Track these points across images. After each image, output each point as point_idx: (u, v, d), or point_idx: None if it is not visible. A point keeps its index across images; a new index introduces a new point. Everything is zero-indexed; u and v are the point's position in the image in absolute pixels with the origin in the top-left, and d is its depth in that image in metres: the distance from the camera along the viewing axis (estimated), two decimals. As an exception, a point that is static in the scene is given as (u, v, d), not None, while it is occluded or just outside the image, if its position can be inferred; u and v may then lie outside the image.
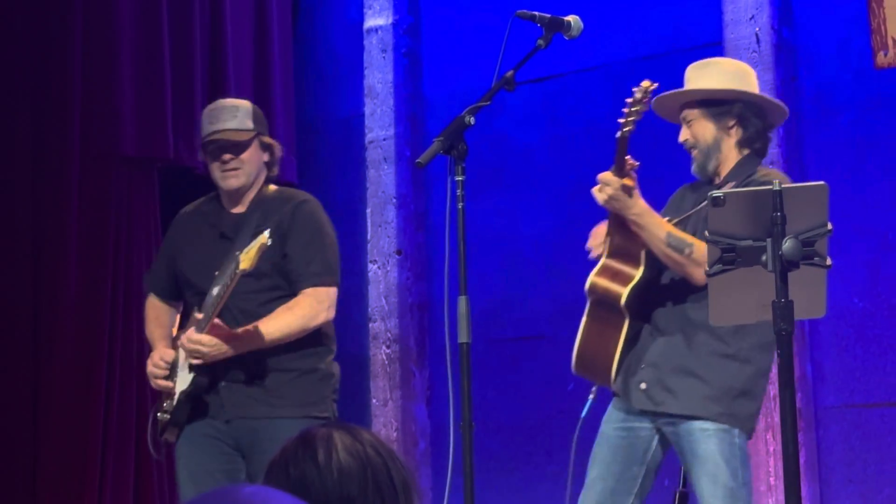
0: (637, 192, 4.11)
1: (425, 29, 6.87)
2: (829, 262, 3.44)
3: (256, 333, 4.38)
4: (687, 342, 4.18)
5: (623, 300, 4.14)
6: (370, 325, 6.69)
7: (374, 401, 6.65)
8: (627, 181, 4.08)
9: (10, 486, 5.79)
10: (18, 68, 6.01)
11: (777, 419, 5.45)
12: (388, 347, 6.68)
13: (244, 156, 4.54)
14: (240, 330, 4.39)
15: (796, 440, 3.41)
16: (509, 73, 3.99)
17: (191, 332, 4.38)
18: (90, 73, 6.04)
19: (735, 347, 4.16)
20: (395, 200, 6.72)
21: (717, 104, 4.24)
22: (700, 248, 4.00)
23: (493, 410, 6.32)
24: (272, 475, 2.10)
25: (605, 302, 4.18)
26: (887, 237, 5.58)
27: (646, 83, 4.01)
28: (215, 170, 4.58)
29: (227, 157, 4.54)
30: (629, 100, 4.02)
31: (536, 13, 4.11)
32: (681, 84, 5.95)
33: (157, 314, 4.74)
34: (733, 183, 4.15)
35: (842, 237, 5.24)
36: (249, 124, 4.56)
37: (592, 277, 4.19)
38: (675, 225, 4.19)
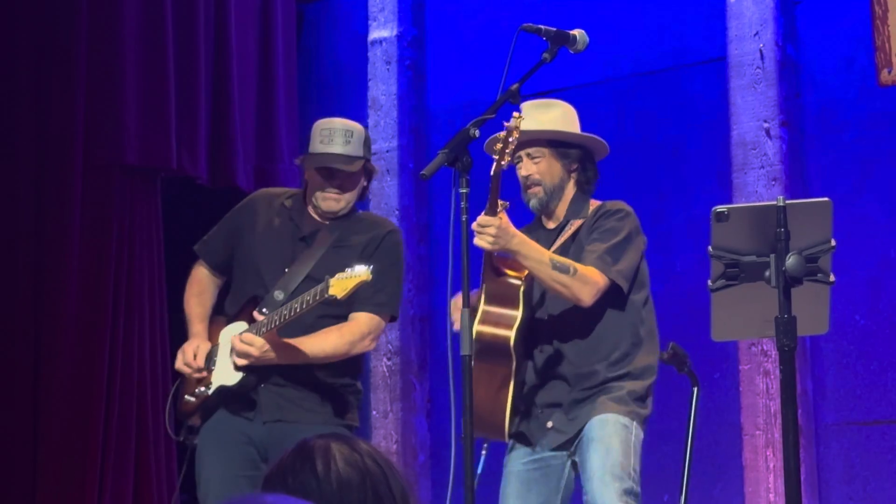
0: (511, 225, 4.17)
1: (430, 41, 6.88)
2: (832, 278, 3.44)
3: (302, 348, 4.41)
4: (578, 376, 4.30)
5: (511, 342, 4.23)
6: (371, 337, 6.68)
7: (374, 413, 6.64)
8: (504, 217, 4.13)
9: (9, 487, 5.79)
10: (22, 77, 6.01)
11: (778, 435, 5.45)
12: (388, 359, 6.68)
13: (350, 184, 4.56)
14: (289, 341, 4.41)
15: (797, 457, 3.41)
16: (514, 87, 3.98)
17: (247, 334, 4.40)
18: (94, 82, 6.04)
19: (626, 369, 4.30)
20: (397, 212, 6.72)
21: (564, 146, 4.41)
22: (583, 268, 4.19)
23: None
24: (270, 486, 2.09)
25: (492, 348, 4.23)
26: (889, 255, 5.58)
27: (516, 115, 4.03)
28: (316, 188, 4.57)
29: (333, 183, 4.54)
30: (500, 134, 4.03)
31: (542, 27, 4.11)
32: (685, 98, 5.95)
33: (201, 289, 4.71)
34: (580, 221, 4.36)
35: (844, 254, 5.24)
36: (360, 151, 4.57)
37: (476, 326, 4.22)
38: None
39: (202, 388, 4.52)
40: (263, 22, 6.85)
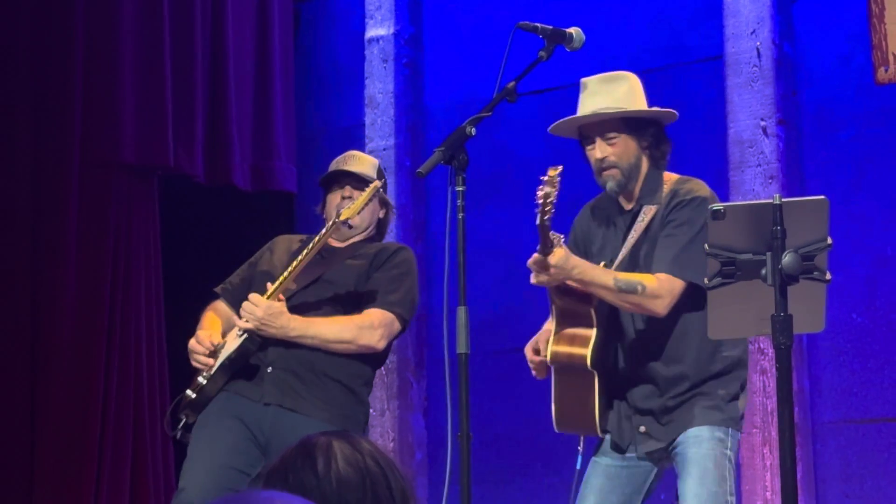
0: (570, 253, 4.12)
1: (427, 39, 6.88)
2: (828, 276, 3.44)
3: (309, 325, 4.43)
4: (667, 380, 4.23)
5: (589, 362, 4.17)
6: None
7: (371, 411, 6.63)
8: (558, 251, 4.06)
9: (7, 486, 5.79)
10: (19, 75, 6.01)
11: (775, 434, 5.45)
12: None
13: (361, 189, 4.60)
14: (296, 316, 4.43)
15: (794, 455, 3.41)
16: (511, 85, 3.99)
17: (252, 295, 4.42)
18: (91, 80, 6.04)
19: (716, 367, 4.23)
20: (394, 210, 6.71)
21: (638, 123, 4.30)
22: (650, 282, 4.11)
23: (491, 422, 6.32)
24: (270, 483, 2.09)
25: (570, 368, 4.20)
26: (886, 252, 5.58)
27: (552, 170, 3.97)
28: (332, 201, 4.66)
29: (348, 190, 4.63)
30: (541, 191, 3.94)
31: (538, 25, 4.11)
32: (682, 96, 5.95)
33: (217, 312, 4.71)
34: (654, 209, 4.25)
35: (841, 252, 5.24)
36: (372, 173, 4.71)
37: (552, 347, 4.20)
38: (622, 262, 4.24)
39: (202, 377, 4.50)
40: (260, 20, 6.85)
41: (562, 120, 4.28)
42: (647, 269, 4.20)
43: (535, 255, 4.05)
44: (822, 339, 5.59)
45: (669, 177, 4.34)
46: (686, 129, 6.07)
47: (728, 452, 4.17)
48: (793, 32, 5.86)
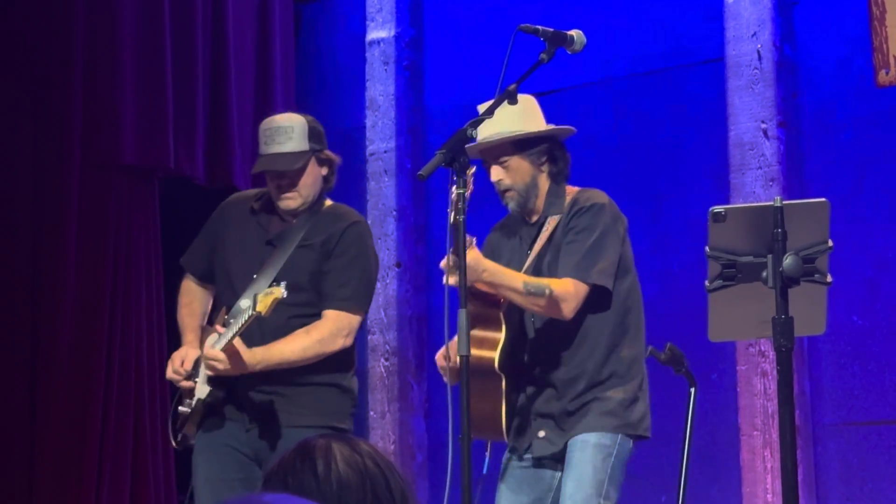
0: (481, 256, 4.18)
1: (428, 42, 6.88)
2: (829, 279, 3.44)
3: (272, 354, 4.41)
4: (564, 382, 4.30)
5: (497, 364, 4.24)
6: (369, 337, 6.69)
7: (371, 413, 6.64)
8: (470, 252, 4.06)
9: (6, 489, 5.78)
10: (20, 76, 6.01)
11: (775, 436, 5.44)
12: (386, 360, 6.68)
13: (301, 180, 4.53)
14: (257, 350, 4.41)
15: (795, 457, 3.41)
16: (512, 87, 3.99)
17: (208, 348, 4.42)
18: (92, 81, 6.04)
19: (611, 367, 4.30)
20: (395, 213, 6.72)
21: (528, 144, 4.36)
22: (558, 286, 4.20)
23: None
24: (270, 486, 2.09)
25: (479, 370, 4.21)
26: (887, 255, 5.58)
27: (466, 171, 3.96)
28: (272, 189, 4.58)
29: (283, 182, 4.53)
30: (454, 192, 3.89)
31: (540, 27, 4.11)
32: (683, 98, 5.95)
33: (191, 299, 4.72)
34: (557, 218, 4.33)
35: (841, 255, 5.24)
36: (305, 144, 4.52)
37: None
38: (527, 270, 4.31)
39: (190, 400, 4.54)
40: (261, 22, 6.85)
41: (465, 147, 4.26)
42: (552, 276, 4.28)
43: (449, 255, 4.06)
44: (822, 341, 5.58)
45: (571, 189, 4.44)
46: (686, 131, 6.08)
47: (612, 459, 4.23)
48: (793, 35, 5.86)
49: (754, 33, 5.83)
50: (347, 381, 4.58)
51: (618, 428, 4.26)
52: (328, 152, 4.63)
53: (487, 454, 4.38)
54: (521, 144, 4.35)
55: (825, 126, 5.76)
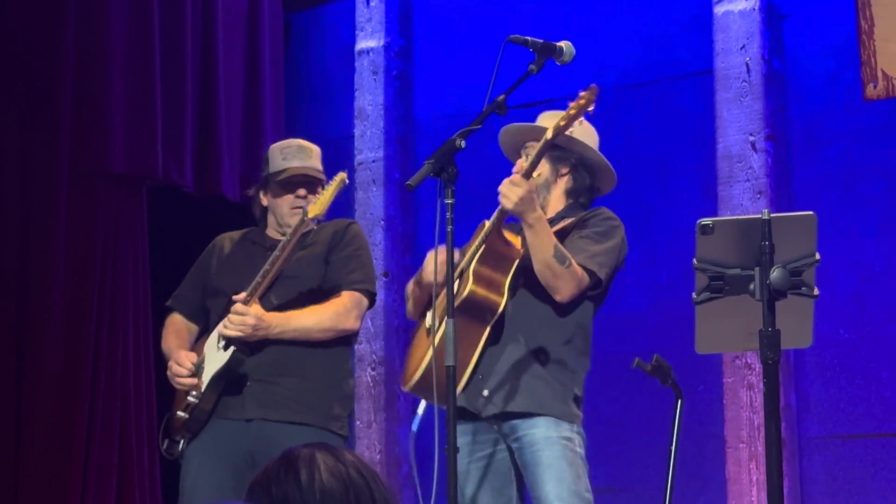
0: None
1: (417, 52, 6.88)
2: (816, 292, 3.44)
3: (289, 320, 4.47)
4: (527, 353, 4.29)
5: (501, 308, 4.22)
6: (355, 346, 6.68)
7: (358, 423, 6.63)
8: (532, 184, 4.16)
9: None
10: (8, 84, 6.00)
11: (761, 448, 5.45)
12: (373, 370, 6.67)
13: (317, 196, 4.59)
14: (275, 315, 4.47)
15: (780, 470, 3.41)
16: (501, 98, 3.99)
17: (238, 305, 4.42)
18: (81, 89, 6.03)
19: (563, 356, 4.30)
20: (382, 222, 6.72)
21: (557, 148, 4.37)
22: (577, 267, 4.20)
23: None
24: (254, 495, 2.09)
25: (480, 307, 4.21)
26: (873, 269, 5.59)
27: (593, 89, 4.07)
28: (285, 203, 4.66)
29: (302, 192, 4.65)
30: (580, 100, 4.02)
31: (529, 38, 4.11)
32: (671, 110, 5.96)
33: (178, 328, 4.75)
34: (570, 220, 4.36)
35: (828, 268, 5.25)
36: (320, 167, 4.73)
37: (471, 286, 4.22)
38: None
39: (191, 397, 4.51)
40: (250, 31, 6.85)
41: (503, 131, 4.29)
42: None
43: (515, 176, 4.14)
44: (809, 354, 5.59)
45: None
46: (675, 143, 6.09)
47: (578, 451, 4.24)
48: (782, 48, 5.87)
49: (743, 46, 5.84)
50: (347, 388, 4.67)
51: (571, 416, 4.26)
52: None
53: (421, 412, 4.36)
54: (553, 145, 4.31)
55: (813, 139, 5.77)
